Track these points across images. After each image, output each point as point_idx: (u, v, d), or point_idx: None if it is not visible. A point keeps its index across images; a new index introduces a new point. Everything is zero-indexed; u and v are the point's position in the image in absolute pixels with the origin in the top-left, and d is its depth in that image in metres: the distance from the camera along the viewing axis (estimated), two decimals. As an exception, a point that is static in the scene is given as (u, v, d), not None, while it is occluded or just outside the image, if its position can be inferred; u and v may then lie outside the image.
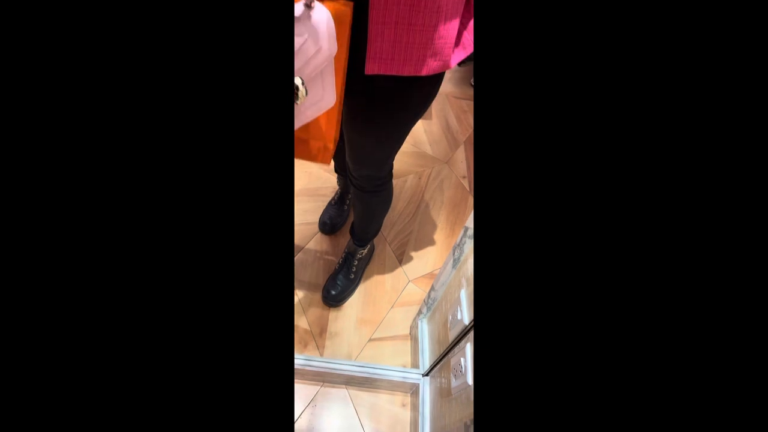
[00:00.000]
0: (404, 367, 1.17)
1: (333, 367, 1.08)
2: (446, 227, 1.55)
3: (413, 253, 1.46)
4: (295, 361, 1.10)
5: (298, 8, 0.53)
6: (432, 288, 1.07)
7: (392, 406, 1.13)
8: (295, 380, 1.15)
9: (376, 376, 1.08)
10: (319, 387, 1.15)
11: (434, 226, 1.54)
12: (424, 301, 1.15)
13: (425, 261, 1.44)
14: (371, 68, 0.63)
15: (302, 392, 1.14)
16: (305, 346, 1.21)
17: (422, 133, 1.92)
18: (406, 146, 1.82)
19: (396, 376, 1.08)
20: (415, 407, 1.08)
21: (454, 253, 0.90)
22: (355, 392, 1.15)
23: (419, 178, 1.71)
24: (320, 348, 1.21)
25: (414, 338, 1.20)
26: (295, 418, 1.11)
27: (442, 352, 0.96)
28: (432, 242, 1.49)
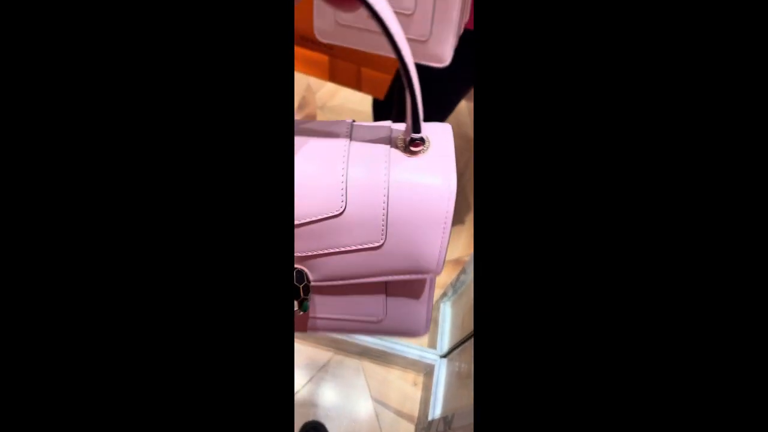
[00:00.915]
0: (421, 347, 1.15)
1: (350, 336, 1.07)
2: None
3: (441, 237, 1.43)
4: (313, 324, 1.09)
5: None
6: (463, 270, 1.04)
7: (403, 383, 1.12)
8: (309, 344, 1.15)
9: (392, 351, 1.06)
10: (331, 354, 1.14)
11: (468, 209, 1.51)
12: (450, 284, 1.13)
13: (453, 246, 1.41)
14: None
15: (315, 357, 1.13)
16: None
17: (466, 115, 1.88)
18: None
19: (412, 353, 1.06)
20: (427, 387, 1.06)
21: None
22: (367, 364, 1.14)
23: (463, 163, 1.67)
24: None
25: (434, 321, 1.17)
26: (304, 383, 1.10)
27: (464, 336, 0.94)
28: (462, 224, 1.46)
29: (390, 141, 0.25)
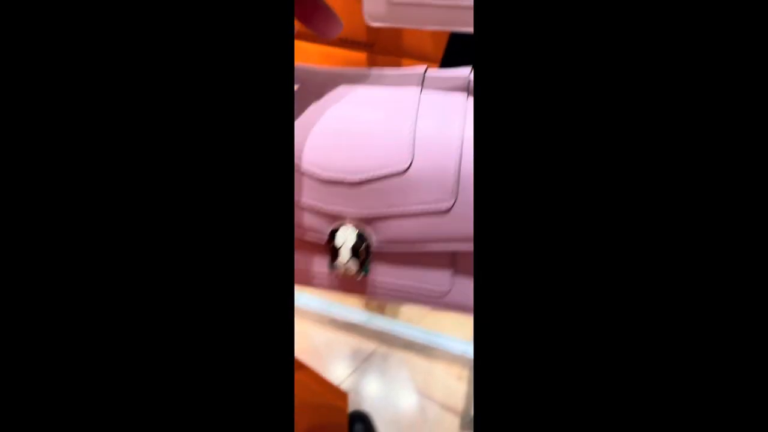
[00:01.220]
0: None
1: (395, 328, 1.08)
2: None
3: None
4: (357, 317, 1.11)
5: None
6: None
7: (448, 377, 1.12)
8: (354, 336, 1.16)
9: (436, 346, 1.06)
10: (376, 346, 1.16)
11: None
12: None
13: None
14: None
15: (359, 348, 1.15)
16: (366, 304, 1.21)
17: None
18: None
19: (457, 348, 1.06)
20: (471, 382, 1.05)
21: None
22: (411, 357, 1.14)
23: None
24: (382, 308, 1.21)
25: (478, 315, 1.17)
26: (348, 374, 1.12)
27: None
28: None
29: (468, 90, 0.22)
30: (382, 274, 0.26)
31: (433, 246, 0.23)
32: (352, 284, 0.27)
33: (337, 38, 0.81)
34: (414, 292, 0.27)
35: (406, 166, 0.21)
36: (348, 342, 1.16)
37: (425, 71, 0.24)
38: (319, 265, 0.26)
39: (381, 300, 0.28)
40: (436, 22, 0.49)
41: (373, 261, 0.25)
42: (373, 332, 1.14)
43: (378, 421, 1.06)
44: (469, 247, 0.23)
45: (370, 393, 1.10)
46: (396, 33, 0.49)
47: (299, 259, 0.26)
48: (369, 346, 1.16)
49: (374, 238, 0.23)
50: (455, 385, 1.11)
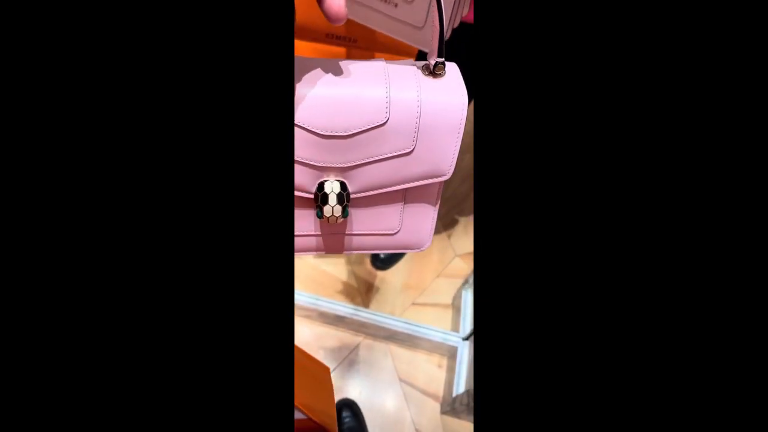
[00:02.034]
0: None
1: (378, 320, 1.15)
2: (497, 210, 1.57)
3: (462, 231, 1.50)
4: (343, 310, 1.17)
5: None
6: (482, 257, 1.11)
7: (429, 365, 1.19)
8: (341, 329, 1.23)
9: (417, 334, 1.14)
10: (361, 339, 1.22)
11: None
12: (471, 272, 1.20)
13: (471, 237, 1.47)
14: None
15: (345, 341, 1.22)
16: (352, 300, 1.28)
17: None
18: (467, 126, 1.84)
19: (436, 336, 1.13)
20: (451, 369, 1.13)
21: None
22: (394, 348, 1.21)
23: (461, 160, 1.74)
24: (366, 303, 1.28)
25: (456, 308, 1.24)
26: (335, 366, 1.19)
27: (485, 317, 1.01)
28: (481, 223, 1.53)
29: (415, 69, 0.32)
30: (351, 227, 0.35)
31: (395, 187, 0.32)
32: (332, 240, 0.35)
33: (323, 34, 0.89)
34: (373, 239, 0.36)
35: (385, 119, 0.29)
36: (334, 335, 1.23)
37: (384, 60, 0.33)
38: (307, 222, 0.34)
39: (353, 252, 0.37)
40: (387, 29, 0.56)
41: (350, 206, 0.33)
42: (358, 325, 1.20)
43: (364, 407, 1.12)
44: (422, 182, 0.32)
45: (357, 382, 1.17)
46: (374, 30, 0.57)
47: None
48: (354, 339, 1.23)
49: (350, 187, 0.32)
50: (436, 372, 1.18)
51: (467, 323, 1.14)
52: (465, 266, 1.40)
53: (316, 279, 1.30)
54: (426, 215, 0.36)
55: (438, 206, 0.37)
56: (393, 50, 0.92)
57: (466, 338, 1.11)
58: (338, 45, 0.96)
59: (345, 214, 0.32)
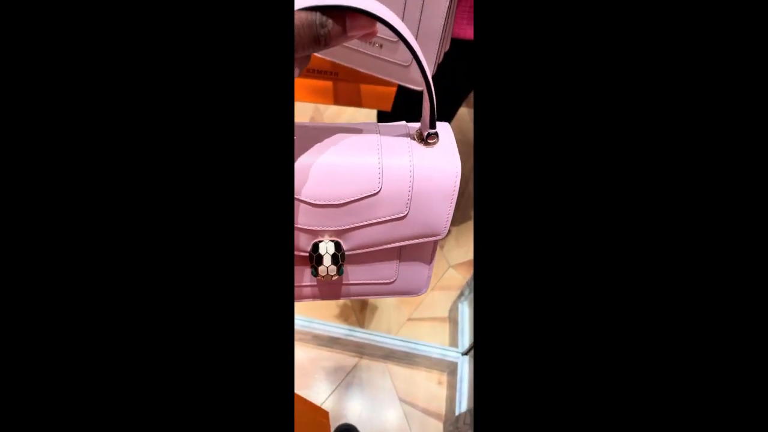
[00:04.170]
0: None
1: (375, 339, 1.12)
2: (488, 218, 1.56)
3: (455, 241, 1.48)
4: (338, 331, 1.14)
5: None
6: (477, 269, 1.09)
7: (429, 382, 1.16)
8: (336, 351, 1.20)
9: (415, 352, 1.11)
10: (357, 359, 1.19)
11: (477, 216, 1.55)
12: (467, 283, 1.17)
13: (467, 249, 1.45)
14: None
15: (342, 362, 1.18)
16: (346, 319, 1.25)
17: (468, 122, 1.94)
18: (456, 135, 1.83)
19: (435, 353, 1.10)
20: (451, 385, 1.10)
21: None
22: (392, 367, 1.18)
23: (468, 168, 1.73)
24: (361, 322, 1.25)
25: (453, 321, 1.22)
26: (334, 388, 1.15)
27: (484, 331, 0.98)
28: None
29: (408, 135, 0.32)
30: (349, 277, 0.36)
31: (389, 245, 0.33)
32: (329, 289, 0.36)
33: (305, 70, 0.88)
34: (370, 287, 0.37)
35: (378, 189, 0.30)
36: (331, 357, 1.19)
37: (377, 123, 0.33)
38: (303, 276, 0.35)
39: (351, 298, 0.38)
40: (374, 69, 0.56)
41: (345, 264, 0.34)
42: (354, 345, 1.17)
43: (365, 430, 1.09)
44: (415, 241, 0.33)
45: (356, 405, 1.13)
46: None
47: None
48: (351, 360, 1.19)
49: (345, 246, 0.32)
50: (436, 390, 1.15)
51: (465, 337, 1.12)
52: (459, 277, 1.38)
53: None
54: (422, 266, 0.37)
55: (435, 258, 0.37)
56: (375, 80, 0.91)
57: (466, 353, 1.08)
58: (323, 79, 0.96)
59: (340, 272, 0.32)
